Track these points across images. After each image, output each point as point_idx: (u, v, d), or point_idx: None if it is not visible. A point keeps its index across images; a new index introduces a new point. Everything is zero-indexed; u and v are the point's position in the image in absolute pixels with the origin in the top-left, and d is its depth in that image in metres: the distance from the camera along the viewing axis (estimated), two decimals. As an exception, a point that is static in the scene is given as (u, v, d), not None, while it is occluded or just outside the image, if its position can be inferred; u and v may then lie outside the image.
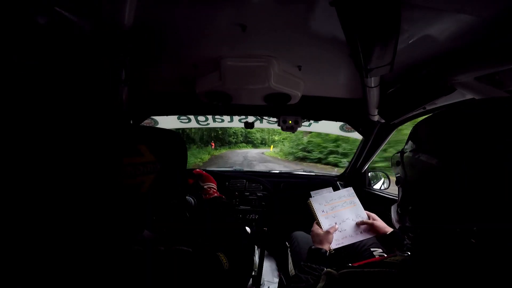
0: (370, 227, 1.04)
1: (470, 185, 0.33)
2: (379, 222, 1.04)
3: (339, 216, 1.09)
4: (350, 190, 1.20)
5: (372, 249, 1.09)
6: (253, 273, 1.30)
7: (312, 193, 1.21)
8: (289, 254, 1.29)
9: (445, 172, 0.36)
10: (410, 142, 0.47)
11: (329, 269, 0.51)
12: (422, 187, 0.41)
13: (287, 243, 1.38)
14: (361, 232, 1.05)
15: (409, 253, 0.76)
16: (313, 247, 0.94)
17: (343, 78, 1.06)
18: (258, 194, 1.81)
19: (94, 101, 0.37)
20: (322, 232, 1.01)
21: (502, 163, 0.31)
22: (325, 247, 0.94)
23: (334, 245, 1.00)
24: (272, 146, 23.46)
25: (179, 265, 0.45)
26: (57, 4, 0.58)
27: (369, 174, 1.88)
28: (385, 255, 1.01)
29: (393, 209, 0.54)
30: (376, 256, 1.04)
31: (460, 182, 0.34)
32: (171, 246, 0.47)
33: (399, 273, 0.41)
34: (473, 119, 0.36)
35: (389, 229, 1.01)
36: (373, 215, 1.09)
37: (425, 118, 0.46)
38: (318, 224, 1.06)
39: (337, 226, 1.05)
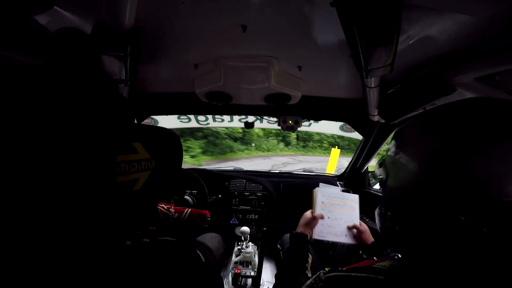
0: (357, 234, 1.09)
1: (449, 190, 0.33)
2: (367, 232, 1.10)
3: (334, 213, 1.13)
4: (355, 197, 1.24)
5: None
6: (252, 273, 1.30)
7: (320, 184, 1.23)
8: (282, 256, 1.30)
9: (425, 178, 0.35)
10: (393, 141, 0.47)
11: (321, 271, 0.52)
12: (401, 191, 0.41)
13: (278, 246, 1.38)
14: (346, 235, 1.09)
15: (398, 257, 0.76)
16: (294, 232, 0.98)
17: (343, 78, 1.06)
18: (258, 194, 1.81)
19: (92, 100, 0.37)
20: (309, 216, 1.05)
21: (476, 171, 0.31)
22: (306, 231, 0.98)
23: (316, 235, 1.03)
24: (337, 148, 5.00)
25: (164, 255, 0.45)
26: (57, 4, 0.58)
27: (369, 174, 1.88)
28: (375, 258, 1.01)
29: (376, 211, 0.53)
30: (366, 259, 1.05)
31: (439, 188, 0.34)
32: (156, 237, 0.47)
33: (386, 280, 0.41)
34: (451, 124, 0.36)
35: (371, 239, 1.06)
36: (364, 225, 1.13)
37: (412, 120, 0.45)
38: (312, 212, 1.09)
39: (326, 218, 1.09)
